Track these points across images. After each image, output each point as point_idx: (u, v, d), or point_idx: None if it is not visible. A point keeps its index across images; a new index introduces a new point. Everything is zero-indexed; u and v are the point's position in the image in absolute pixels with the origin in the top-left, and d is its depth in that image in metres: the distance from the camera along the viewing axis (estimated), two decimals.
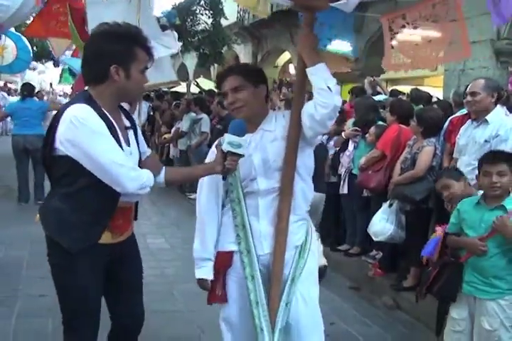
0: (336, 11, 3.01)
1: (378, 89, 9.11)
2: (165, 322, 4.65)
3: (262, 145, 2.87)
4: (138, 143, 2.82)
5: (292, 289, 2.86)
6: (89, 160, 2.51)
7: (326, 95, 2.63)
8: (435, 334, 3.79)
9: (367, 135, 6.15)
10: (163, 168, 2.87)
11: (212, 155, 2.89)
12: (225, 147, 2.64)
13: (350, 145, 6.53)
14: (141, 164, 2.78)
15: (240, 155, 2.68)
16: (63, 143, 2.52)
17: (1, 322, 4.52)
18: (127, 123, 2.80)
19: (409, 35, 3.70)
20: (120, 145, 2.60)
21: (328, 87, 2.63)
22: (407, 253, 5.45)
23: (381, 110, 6.64)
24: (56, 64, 14.11)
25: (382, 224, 5.36)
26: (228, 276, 2.94)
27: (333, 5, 2.98)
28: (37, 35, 11.40)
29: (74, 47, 11.23)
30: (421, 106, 6.55)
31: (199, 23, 17.42)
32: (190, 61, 22.72)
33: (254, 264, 2.85)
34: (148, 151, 2.94)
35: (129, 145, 2.71)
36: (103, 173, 2.53)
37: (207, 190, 2.96)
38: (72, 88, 15.50)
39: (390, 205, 5.40)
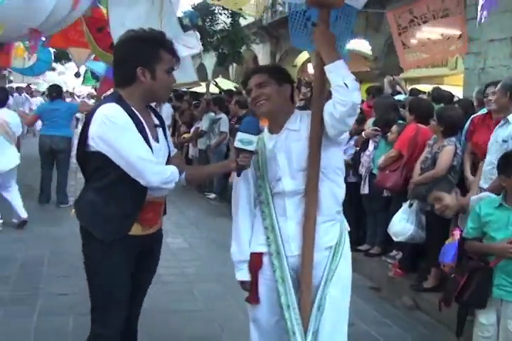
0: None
1: (398, 88, 9.05)
2: (185, 322, 4.67)
3: (286, 145, 2.87)
4: (167, 141, 2.97)
5: (325, 292, 2.83)
6: (117, 154, 2.67)
7: (344, 92, 2.59)
8: (455, 335, 3.76)
9: (388, 134, 6.12)
10: (185, 166, 3.04)
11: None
12: (236, 144, 2.73)
13: (371, 145, 6.50)
14: (169, 162, 2.91)
15: (251, 152, 2.73)
16: (94, 140, 2.70)
17: (22, 321, 4.55)
18: (156, 122, 2.94)
19: (421, 31, 3.67)
20: (148, 142, 2.75)
21: (345, 84, 2.58)
22: (428, 253, 5.42)
23: (401, 109, 6.60)
24: (77, 75, 14.00)
25: (403, 224, 5.32)
26: (258, 278, 2.94)
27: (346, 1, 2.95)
28: (58, 46, 11.50)
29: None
30: (442, 105, 6.51)
31: (218, 23, 17.45)
32: (209, 61, 22.77)
33: (284, 267, 2.85)
34: (174, 150, 3.05)
35: (158, 141, 2.85)
36: (129, 167, 2.68)
37: (240, 192, 3.00)
38: (95, 89, 15.53)
39: (410, 205, 5.37)
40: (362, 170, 6.55)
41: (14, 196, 7.64)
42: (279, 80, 2.91)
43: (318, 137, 2.79)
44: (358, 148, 6.72)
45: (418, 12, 3.60)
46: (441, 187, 5.13)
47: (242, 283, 3.00)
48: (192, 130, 11.66)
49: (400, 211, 5.43)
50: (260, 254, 2.92)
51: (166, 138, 2.97)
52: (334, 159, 2.89)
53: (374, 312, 5.19)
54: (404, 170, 5.73)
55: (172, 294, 5.26)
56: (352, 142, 6.83)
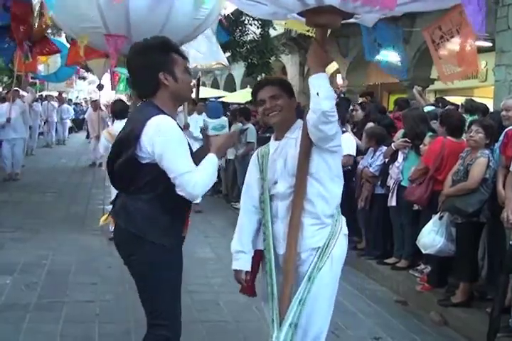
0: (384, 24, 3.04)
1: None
2: (210, 332, 4.66)
3: (284, 152, 3.09)
4: None
5: (307, 288, 2.96)
6: (167, 167, 2.79)
7: (314, 101, 2.79)
8: None
9: (421, 146, 6.08)
10: None
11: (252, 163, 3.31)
12: (210, 133, 2.98)
13: (400, 157, 6.43)
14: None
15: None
16: (147, 151, 2.81)
17: (48, 327, 4.58)
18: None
19: (449, 44, 3.67)
20: (190, 146, 2.93)
21: (318, 93, 2.77)
22: (457, 267, 5.33)
23: (434, 121, 6.53)
24: (100, 87, 13.73)
25: (432, 236, 5.25)
26: (262, 272, 3.16)
27: (355, 21, 3.08)
28: (77, 61, 11.55)
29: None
30: (476, 117, 6.43)
31: (248, 34, 17.49)
32: (238, 71, 22.83)
33: (272, 261, 3.04)
34: None
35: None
36: (175, 181, 2.79)
37: (247, 192, 3.27)
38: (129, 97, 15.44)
39: (441, 218, 5.30)
40: (390, 182, 6.49)
41: None
42: (289, 93, 3.15)
43: (307, 145, 2.95)
44: (386, 160, 6.66)
45: (445, 27, 3.63)
46: (473, 199, 5.05)
47: (236, 272, 3.19)
48: None
49: (430, 223, 5.36)
50: (262, 251, 3.15)
51: None
52: (328, 166, 3.01)
53: (400, 326, 5.11)
54: (431, 183, 5.72)
55: (197, 304, 5.24)
56: (378, 153, 6.78)
